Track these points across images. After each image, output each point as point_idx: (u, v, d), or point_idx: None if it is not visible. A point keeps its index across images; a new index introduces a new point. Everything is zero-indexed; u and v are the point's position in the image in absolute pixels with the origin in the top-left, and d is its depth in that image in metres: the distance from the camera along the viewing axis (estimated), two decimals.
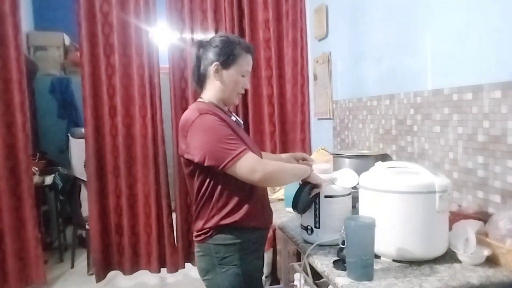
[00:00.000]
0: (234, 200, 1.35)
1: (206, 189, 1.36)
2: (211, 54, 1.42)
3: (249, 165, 1.26)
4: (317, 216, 1.37)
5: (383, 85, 2.06)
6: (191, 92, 2.84)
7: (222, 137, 1.28)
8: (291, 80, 3.08)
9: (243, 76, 1.44)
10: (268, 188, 1.83)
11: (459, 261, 1.17)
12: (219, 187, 1.34)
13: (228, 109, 1.53)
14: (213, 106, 1.41)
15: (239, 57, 1.42)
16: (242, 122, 1.55)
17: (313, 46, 3.01)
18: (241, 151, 1.27)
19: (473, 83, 1.43)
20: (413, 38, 1.78)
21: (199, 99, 1.46)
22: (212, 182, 1.35)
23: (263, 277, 2.40)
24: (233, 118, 1.47)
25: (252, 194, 1.38)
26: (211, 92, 1.44)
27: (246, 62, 1.44)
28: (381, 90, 2.07)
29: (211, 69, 1.41)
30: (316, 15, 2.84)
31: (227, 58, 1.40)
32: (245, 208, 1.35)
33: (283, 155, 1.73)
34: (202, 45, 1.46)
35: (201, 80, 1.47)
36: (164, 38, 2.88)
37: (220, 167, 1.27)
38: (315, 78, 2.93)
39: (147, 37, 2.79)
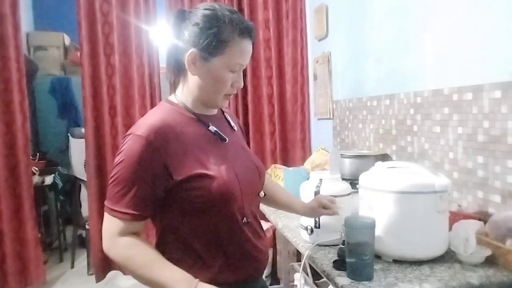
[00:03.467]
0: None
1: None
2: (187, 35, 0.98)
3: (103, 233, 0.94)
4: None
5: (383, 85, 2.05)
6: None
7: (121, 175, 0.92)
8: (291, 80, 3.08)
9: (232, 71, 0.99)
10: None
11: (459, 261, 1.17)
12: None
13: (221, 110, 1.15)
14: (178, 113, 1.01)
15: (227, 44, 0.96)
16: (236, 128, 1.16)
17: (313, 46, 3.01)
18: (111, 207, 0.92)
19: (473, 83, 1.43)
20: (413, 38, 1.78)
21: (169, 97, 1.08)
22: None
23: (263, 277, 2.40)
24: (212, 129, 1.03)
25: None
26: (185, 89, 1.03)
27: (238, 51, 0.98)
28: (381, 90, 2.07)
29: (186, 58, 0.97)
30: (316, 15, 2.84)
31: (209, 44, 0.95)
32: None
33: (307, 203, 1.30)
34: (180, 17, 1.01)
35: (175, 70, 1.04)
36: (164, 38, 2.88)
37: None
38: (315, 78, 2.93)
39: (147, 37, 2.79)
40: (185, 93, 1.04)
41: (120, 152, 0.95)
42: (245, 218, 1.02)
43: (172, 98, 1.07)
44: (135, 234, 0.94)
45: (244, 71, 2.99)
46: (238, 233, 1.00)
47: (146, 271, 0.89)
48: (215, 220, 0.97)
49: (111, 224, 0.92)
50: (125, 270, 1.04)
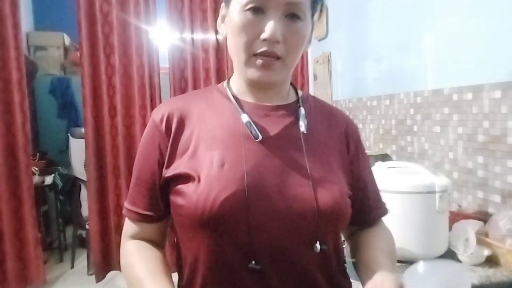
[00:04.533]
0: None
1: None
2: None
3: (122, 234, 0.81)
4: None
5: (383, 85, 2.05)
6: None
7: (136, 171, 0.78)
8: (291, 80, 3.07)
9: (249, 10, 0.68)
10: None
11: (459, 261, 1.17)
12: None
13: (299, 104, 0.78)
14: (215, 95, 0.79)
15: None
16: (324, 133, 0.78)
17: (313, 46, 3.01)
18: (128, 210, 0.78)
19: (473, 83, 1.43)
20: (413, 38, 1.78)
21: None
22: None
23: None
24: (244, 119, 0.73)
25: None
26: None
27: None
28: (381, 90, 2.07)
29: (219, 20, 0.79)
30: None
31: None
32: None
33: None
34: None
35: None
36: (164, 38, 2.88)
37: None
38: (315, 78, 2.93)
39: (147, 37, 2.79)
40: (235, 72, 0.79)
41: None
42: (253, 263, 0.66)
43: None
44: (152, 241, 0.78)
45: None
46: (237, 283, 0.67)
47: (135, 285, 0.70)
48: (212, 246, 0.69)
49: (125, 225, 0.80)
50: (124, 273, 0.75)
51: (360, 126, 2.31)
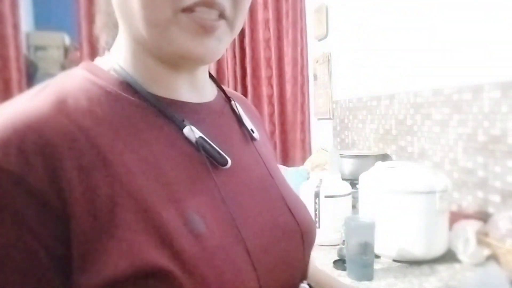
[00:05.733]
0: None
1: None
2: None
3: None
4: (317, 216, 1.37)
5: (383, 85, 2.06)
6: None
7: None
8: (291, 80, 3.08)
9: None
10: None
11: (459, 261, 1.17)
12: None
13: (225, 95, 0.56)
14: (105, 96, 0.41)
15: None
16: (257, 135, 0.55)
17: (313, 46, 3.01)
18: None
19: (473, 83, 1.43)
20: (413, 37, 1.78)
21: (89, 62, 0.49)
22: None
23: None
24: (190, 135, 0.43)
25: None
26: (119, 39, 0.47)
27: None
28: (381, 90, 2.07)
29: None
30: (316, 15, 2.84)
31: None
32: None
33: None
34: None
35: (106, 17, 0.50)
36: None
37: None
38: (315, 78, 2.93)
39: None
40: (120, 47, 0.47)
41: None
42: None
43: (96, 62, 0.49)
44: None
45: (244, 71, 3.02)
46: None
47: None
48: None
49: None
50: None
51: (360, 126, 2.31)
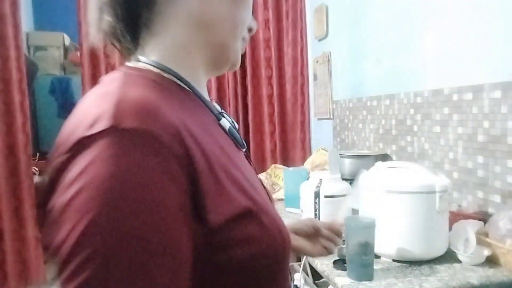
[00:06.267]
0: None
1: None
2: None
3: None
4: (317, 216, 1.37)
5: (383, 85, 2.06)
6: None
7: (151, 244, 0.39)
8: (291, 80, 3.08)
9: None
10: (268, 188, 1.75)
11: (459, 261, 1.17)
12: None
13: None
14: (165, 85, 0.51)
15: None
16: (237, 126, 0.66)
17: (313, 46, 3.01)
18: None
19: (473, 83, 1.43)
20: (413, 38, 1.78)
21: (129, 62, 0.54)
22: None
23: None
24: (224, 123, 0.57)
25: None
26: (167, 40, 0.53)
27: None
28: (381, 90, 2.07)
29: None
30: (316, 15, 2.84)
31: None
32: None
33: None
34: None
35: (134, 11, 0.53)
36: None
37: None
38: (315, 78, 2.93)
39: None
40: (166, 43, 0.53)
41: (79, 183, 0.39)
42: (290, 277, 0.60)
43: (136, 61, 0.53)
44: None
45: (244, 71, 3.02)
46: None
47: None
48: None
49: None
50: None
51: (360, 126, 2.31)
